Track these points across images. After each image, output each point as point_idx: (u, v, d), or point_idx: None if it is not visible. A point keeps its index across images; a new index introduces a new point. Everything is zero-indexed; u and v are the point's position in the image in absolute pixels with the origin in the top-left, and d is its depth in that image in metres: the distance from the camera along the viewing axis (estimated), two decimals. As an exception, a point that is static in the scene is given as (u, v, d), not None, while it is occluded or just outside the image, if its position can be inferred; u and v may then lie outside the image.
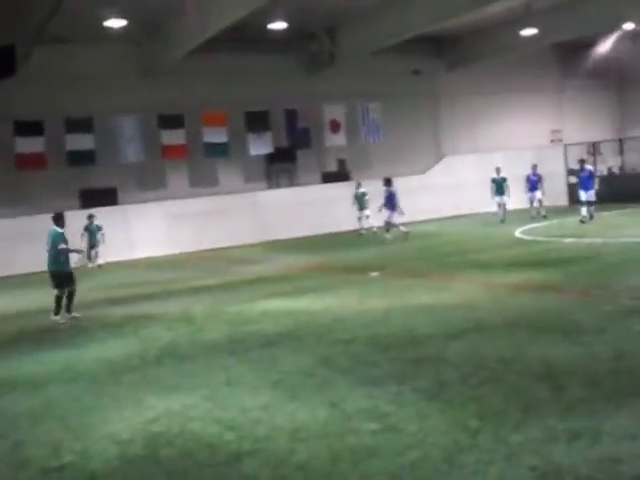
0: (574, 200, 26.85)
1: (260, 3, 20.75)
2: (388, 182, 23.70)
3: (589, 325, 8.92)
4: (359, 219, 27.20)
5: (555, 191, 32.36)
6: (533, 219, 25.56)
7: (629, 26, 31.90)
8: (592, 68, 35.83)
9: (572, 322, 9.19)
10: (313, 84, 30.63)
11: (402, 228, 23.16)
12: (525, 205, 27.06)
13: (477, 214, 31.43)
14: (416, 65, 33.45)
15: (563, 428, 5.53)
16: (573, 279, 12.90)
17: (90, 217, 24.05)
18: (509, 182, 26.15)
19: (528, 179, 26.41)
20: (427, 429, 5.85)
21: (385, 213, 23.36)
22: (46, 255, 13.13)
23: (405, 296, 12.28)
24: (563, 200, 32.26)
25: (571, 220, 23.43)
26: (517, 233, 22.06)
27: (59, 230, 13.09)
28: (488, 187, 26.82)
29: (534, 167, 26.72)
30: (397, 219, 23.40)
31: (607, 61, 35.71)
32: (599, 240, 18.20)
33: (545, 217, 25.77)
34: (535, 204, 26.48)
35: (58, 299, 12.94)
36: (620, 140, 35.27)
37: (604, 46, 34.94)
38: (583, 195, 23.09)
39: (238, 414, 6.74)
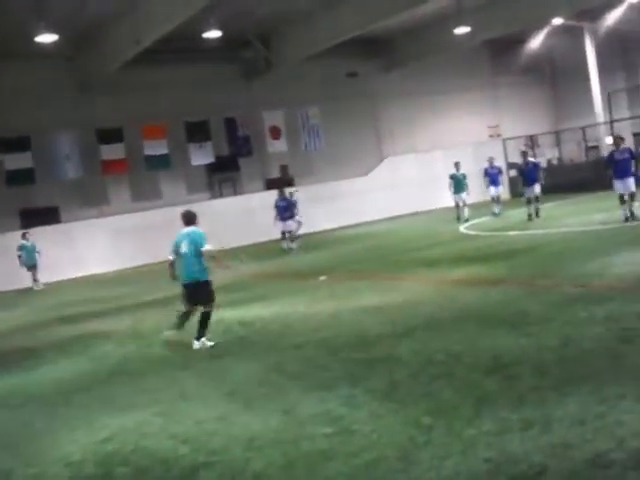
0: (516, 193, 27.19)
1: (191, 12, 20.64)
2: (282, 192, 23.77)
3: (536, 315, 9.03)
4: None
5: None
6: (496, 216, 24.58)
7: (558, 21, 32.60)
8: (524, 63, 36.54)
9: (519, 313, 9.30)
10: (251, 91, 30.60)
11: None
12: (475, 200, 27.19)
13: (420, 212, 31.76)
14: (352, 68, 33.63)
15: (515, 418, 5.57)
16: (518, 271, 13.08)
17: (24, 235, 23.59)
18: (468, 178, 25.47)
19: (486, 173, 25.32)
20: (381, 429, 5.84)
21: (280, 224, 23.57)
22: None
23: (354, 297, 12.30)
24: (505, 194, 32.75)
25: (514, 213, 23.77)
26: (462, 229, 22.32)
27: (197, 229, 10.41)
28: (430, 185, 27.01)
29: (491, 160, 25.70)
30: (293, 228, 23.62)
31: (539, 56, 36.43)
32: (541, 231, 18.52)
33: (496, 214, 24.78)
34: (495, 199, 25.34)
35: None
36: (556, 132, 36.01)
37: (535, 42, 35.62)
38: (528, 191, 21.90)
39: (192, 427, 6.66)
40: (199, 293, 10.10)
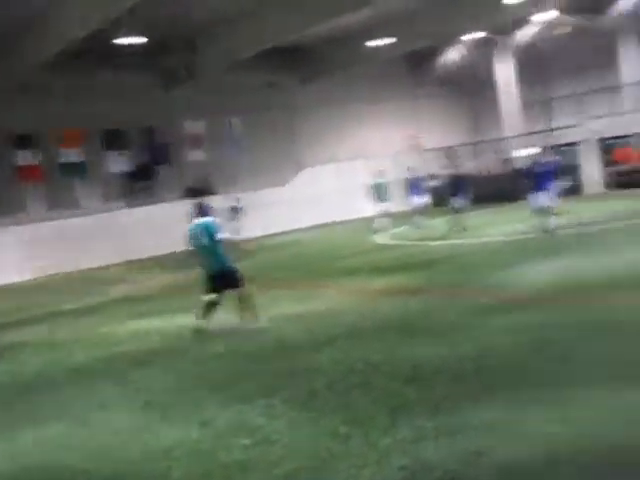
0: (437, 203, 27.44)
1: (109, 16, 20.30)
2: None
3: (454, 324, 9.20)
4: None
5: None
6: (417, 227, 24.11)
7: (476, 35, 33.37)
8: (443, 76, 37.20)
9: (438, 322, 9.47)
10: (172, 100, 30.24)
11: None
12: (395, 209, 27.33)
13: (342, 222, 31.96)
14: (272, 78, 33.63)
15: (431, 426, 5.67)
16: (437, 280, 13.31)
17: None
18: (389, 186, 25.36)
19: (409, 183, 25.21)
20: (299, 439, 5.86)
21: None
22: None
23: (274, 307, 12.27)
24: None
25: (434, 223, 24.13)
26: (380, 239, 22.52)
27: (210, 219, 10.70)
28: (350, 195, 27.04)
29: (412, 170, 25.66)
30: None
31: (455, 69, 37.17)
32: (460, 241, 18.84)
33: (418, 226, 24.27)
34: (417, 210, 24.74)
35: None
36: (474, 144, 36.76)
37: (452, 54, 36.34)
38: (456, 203, 21.34)
39: (111, 438, 6.57)
40: (227, 279, 10.41)
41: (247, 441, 5.95)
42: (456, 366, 7.27)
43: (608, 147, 33.58)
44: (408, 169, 25.99)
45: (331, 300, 12.05)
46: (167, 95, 30.27)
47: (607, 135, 33.01)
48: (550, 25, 32.40)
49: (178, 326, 11.77)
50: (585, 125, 30.29)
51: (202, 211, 10.80)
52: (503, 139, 34.94)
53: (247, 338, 10.11)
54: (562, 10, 30.44)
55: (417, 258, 16.71)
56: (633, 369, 6.36)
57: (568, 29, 32.72)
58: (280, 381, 7.64)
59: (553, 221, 17.09)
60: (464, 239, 19.07)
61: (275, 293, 13.81)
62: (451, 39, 34.62)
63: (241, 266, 11.16)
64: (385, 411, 6.20)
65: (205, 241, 10.43)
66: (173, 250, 27.71)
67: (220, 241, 10.48)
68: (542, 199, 17.03)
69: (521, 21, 32.17)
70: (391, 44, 28.81)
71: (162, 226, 28.46)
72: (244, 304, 10.56)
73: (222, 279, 10.44)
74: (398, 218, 25.10)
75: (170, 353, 9.92)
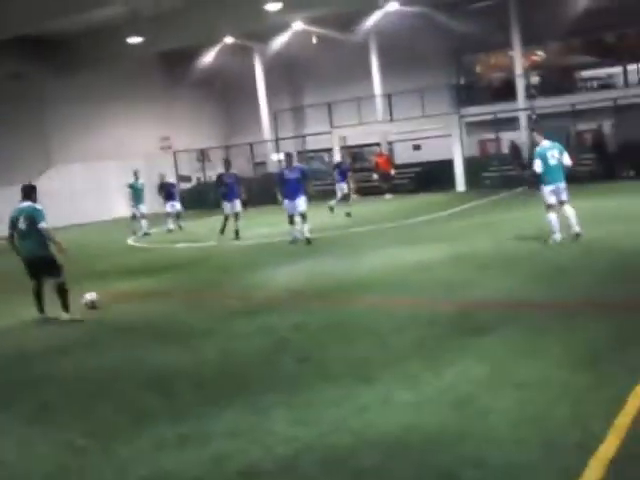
0: (186, 206, 27.30)
1: None
2: None
3: (198, 328, 9.14)
4: None
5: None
6: (171, 231, 23.63)
7: (230, 39, 33.68)
8: (197, 78, 37.15)
9: (182, 327, 9.37)
10: None
11: None
12: (155, 210, 26.66)
13: (91, 223, 30.88)
14: (18, 68, 31.68)
15: (173, 434, 5.56)
16: (184, 284, 13.21)
17: None
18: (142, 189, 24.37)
19: (162, 187, 24.46)
20: (29, 456, 5.50)
21: None
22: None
23: (14, 313, 11.51)
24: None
25: (186, 225, 23.95)
26: (130, 241, 22.02)
27: (38, 206, 10.61)
28: (101, 196, 26.22)
29: (162, 176, 25.01)
30: None
31: (212, 71, 37.29)
32: (210, 244, 18.87)
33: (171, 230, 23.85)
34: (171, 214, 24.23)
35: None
36: (227, 147, 37.11)
37: (208, 57, 36.41)
38: (228, 207, 19.64)
39: None
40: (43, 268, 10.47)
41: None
42: (199, 371, 7.22)
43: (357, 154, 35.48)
44: (160, 175, 25.36)
45: (72, 305, 11.49)
46: None
47: (355, 143, 34.91)
48: (301, 35, 33.44)
49: None
50: (335, 133, 31.65)
51: (30, 194, 10.76)
52: (254, 143, 35.57)
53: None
54: (312, 22, 31.56)
55: (165, 261, 16.51)
56: (365, 368, 6.65)
57: (315, 40, 33.98)
58: (10, 393, 7.16)
59: (303, 227, 16.74)
60: (215, 241, 19.11)
61: (16, 298, 12.97)
62: (208, 42, 34.65)
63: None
64: (126, 420, 6.02)
65: (24, 226, 10.38)
66: None
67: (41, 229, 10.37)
68: (292, 206, 16.46)
69: (277, 29, 32.90)
70: (144, 42, 28.26)
71: None
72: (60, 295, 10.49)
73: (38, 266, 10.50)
74: (152, 220, 24.63)
75: None
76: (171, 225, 23.97)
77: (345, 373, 6.55)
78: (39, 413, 6.48)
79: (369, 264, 12.63)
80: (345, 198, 22.87)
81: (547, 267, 10.66)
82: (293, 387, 6.35)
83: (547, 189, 12.91)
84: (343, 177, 23.30)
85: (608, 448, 4.52)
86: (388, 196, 29.66)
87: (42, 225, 10.33)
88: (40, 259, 10.48)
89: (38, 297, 10.69)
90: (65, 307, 10.48)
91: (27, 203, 10.61)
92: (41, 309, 10.68)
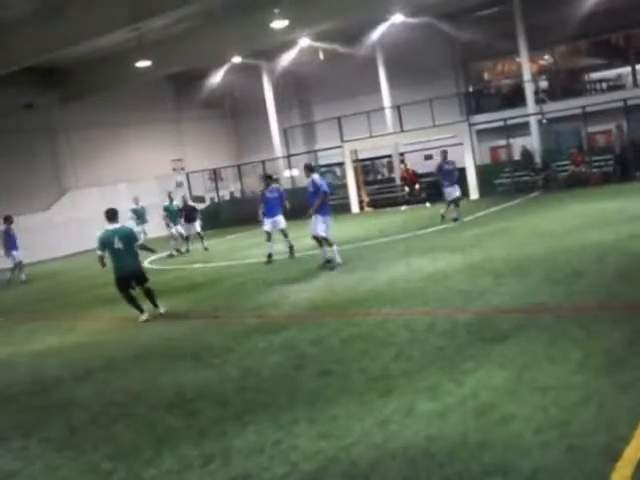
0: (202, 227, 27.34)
1: None
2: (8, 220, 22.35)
3: (218, 347, 9.15)
4: None
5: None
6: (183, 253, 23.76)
7: (238, 59, 33.88)
8: (207, 98, 37.41)
9: (202, 346, 9.37)
10: None
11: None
12: (157, 234, 26.86)
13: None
14: (29, 98, 32.00)
15: (196, 454, 5.57)
16: (201, 304, 13.21)
17: None
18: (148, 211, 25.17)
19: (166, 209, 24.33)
20: (57, 481, 5.54)
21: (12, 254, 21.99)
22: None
23: (31, 340, 11.63)
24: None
25: (199, 246, 24.01)
26: (147, 263, 22.08)
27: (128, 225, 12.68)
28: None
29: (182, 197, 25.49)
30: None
31: (221, 92, 37.54)
32: (225, 263, 18.91)
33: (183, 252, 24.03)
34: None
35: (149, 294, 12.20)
36: (238, 166, 37.25)
37: (217, 78, 36.67)
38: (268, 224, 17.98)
39: None
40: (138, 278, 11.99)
41: (-3, 489, 5.53)
42: (220, 389, 7.24)
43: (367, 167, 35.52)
44: (182, 198, 25.50)
45: (90, 331, 11.58)
46: None
47: (366, 156, 34.99)
48: (308, 51, 33.62)
49: None
50: (346, 147, 31.69)
51: (114, 217, 12.09)
52: (266, 161, 35.66)
53: None
54: (318, 38, 31.73)
55: (181, 282, 16.55)
56: (386, 379, 6.63)
57: (322, 55, 34.13)
58: (37, 419, 7.20)
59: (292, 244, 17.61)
60: (228, 261, 19.16)
61: (32, 326, 13.08)
62: (216, 62, 34.88)
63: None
64: (149, 442, 6.03)
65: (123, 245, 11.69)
66: None
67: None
68: (273, 224, 17.50)
69: (284, 46, 33.07)
70: (151, 66, 28.42)
71: None
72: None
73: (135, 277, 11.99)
74: (160, 242, 24.69)
75: None
76: (179, 245, 24.06)
77: (366, 386, 6.54)
78: (64, 438, 6.52)
79: (385, 276, 12.61)
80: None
81: (563, 271, 10.60)
82: (315, 402, 6.35)
83: None
84: None
85: (634, 451, 4.48)
86: (404, 207, 29.83)
87: (139, 242, 12.11)
88: (135, 271, 11.96)
89: (135, 302, 11.99)
90: (155, 304, 12.05)
91: (118, 225, 11.94)
92: (141, 309, 11.97)
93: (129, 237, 11.80)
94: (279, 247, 17.66)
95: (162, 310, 12.06)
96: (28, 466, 5.98)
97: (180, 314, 12.26)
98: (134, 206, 25.00)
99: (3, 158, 30.34)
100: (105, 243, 11.78)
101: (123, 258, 11.67)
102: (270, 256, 17.14)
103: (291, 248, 17.62)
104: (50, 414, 7.31)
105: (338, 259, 14.65)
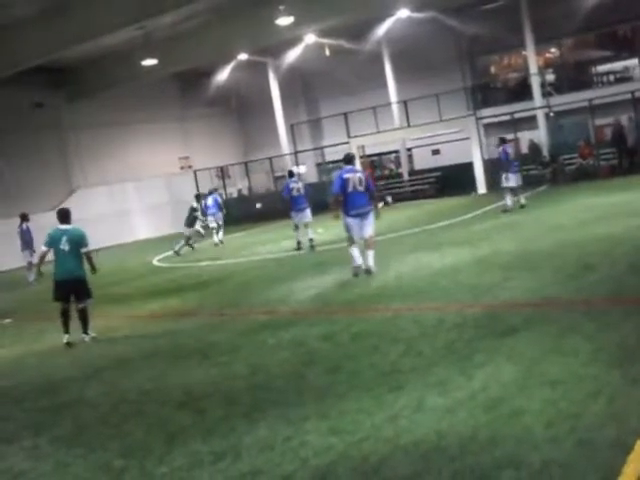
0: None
1: None
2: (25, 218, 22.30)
3: (226, 344, 9.16)
4: None
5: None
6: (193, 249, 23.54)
7: (243, 56, 33.87)
8: (213, 96, 37.41)
9: (210, 344, 9.38)
10: None
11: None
12: (166, 232, 26.93)
13: (114, 246, 31.08)
14: (38, 98, 32.08)
15: (206, 451, 5.57)
16: (209, 301, 13.25)
17: None
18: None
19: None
20: (67, 479, 5.53)
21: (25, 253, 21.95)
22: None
23: (41, 340, 11.67)
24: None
25: (207, 244, 24.05)
26: (155, 261, 22.15)
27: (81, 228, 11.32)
28: (123, 218, 26.16)
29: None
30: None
31: (226, 89, 37.54)
32: (233, 261, 18.93)
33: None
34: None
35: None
36: (245, 163, 37.26)
37: (222, 75, 36.67)
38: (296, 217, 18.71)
39: None
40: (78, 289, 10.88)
41: (12, 488, 5.54)
42: (228, 387, 7.23)
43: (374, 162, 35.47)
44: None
45: (100, 329, 11.57)
46: None
47: (374, 151, 34.96)
48: (314, 47, 33.59)
49: None
50: (353, 142, 31.64)
51: (66, 218, 11.29)
52: (273, 158, 35.68)
53: (7, 375, 9.50)
54: (324, 34, 31.69)
55: (190, 280, 16.59)
56: (395, 375, 6.63)
57: (327, 51, 34.09)
58: (47, 418, 7.21)
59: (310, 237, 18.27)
60: (235, 258, 19.19)
61: (43, 326, 13.10)
62: (222, 60, 34.89)
63: (8, 298, 10.47)
64: (160, 439, 6.03)
65: (69, 247, 10.90)
66: None
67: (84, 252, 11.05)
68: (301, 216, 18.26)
69: (290, 43, 33.05)
70: (158, 64, 28.47)
71: None
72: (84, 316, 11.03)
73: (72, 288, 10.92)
74: (170, 240, 24.79)
75: None
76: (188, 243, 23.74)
77: (376, 381, 6.53)
78: (75, 436, 6.53)
79: (394, 271, 12.58)
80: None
81: (572, 265, 10.56)
82: (325, 397, 6.34)
83: None
84: None
85: (646, 444, 4.46)
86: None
87: (87, 249, 11.00)
88: (77, 280, 10.86)
89: (66, 319, 10.86)
90: (86, 328, 10.94)
91: (69, 226, 11.13)
92: (67, 330, 10.84)
93: (78, 241, 10.92)
94: (288, 244, 17.67)
95: (91, 336, 10.93)
96: (39, 464, 5.98)
97: (188, 312, 12.28)
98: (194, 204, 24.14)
99: (13, 157, 30.48)
100: (52, 242, 11.00)
101: (66, 261, 10.82)
102: (310, 246, 18.10)
103: (310, 242, 18.19)
104: (60, 413, 7.32)
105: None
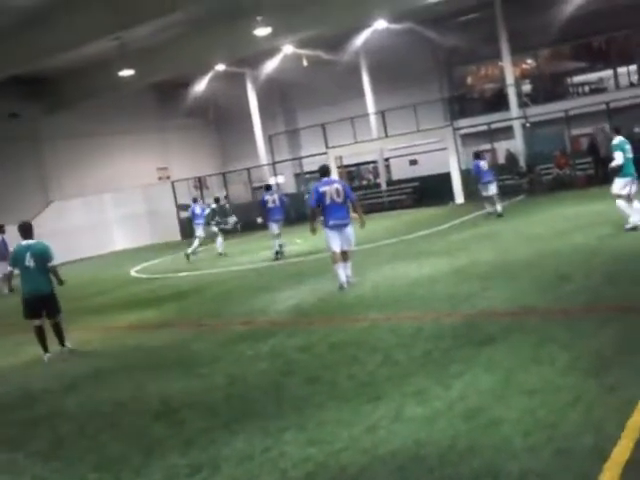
0: (186, 235, 27.36)
1: None
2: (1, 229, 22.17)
3: (205, 355, 9.11)
4: None
5: (167, 226, 33.12)
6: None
7: (221, 67, 33.88)
8: (191, 107, 37.35)
9: (188, 355, 9.34)
10: None
11: None
12: (143, 243, 26.83)
13: (91, 257, 30.88)
14: (13, 108, 31.85)
15: (184, 463, 5.53)
16: (188, 312, 13.19)
17: None
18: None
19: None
20: (41, 494, 5.48)
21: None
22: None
23: (18, 352, 11.52)
24: (176, 235, 33.04)
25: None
26: (133, 272, 22.02)
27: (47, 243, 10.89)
28: (100, 229, 26.02)
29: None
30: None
31: (204, 100, 37.50)
32: (212, 271, 18.87)
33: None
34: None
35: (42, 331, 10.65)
36: (223, 174, 37.20)
37: (200, 86, 36.63)
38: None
39: None
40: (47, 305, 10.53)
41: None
42: (208, 397, 7.19)
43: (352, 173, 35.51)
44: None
45: (77, 341, 11.47)
46: None
47: (352, 162, 35.03)
48: (292, 58, 33.67)
49: None
50: (331, 153, 31.70)
51: (28, 232, 10.96)
52: (251, 168, 35.66)
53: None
54: (302, 45, 31.78)
55: (168, 291, 16.49)
56: (374, 385, 6.63)
57: (305, 62, 34.20)
58: (23, 432, 7.13)
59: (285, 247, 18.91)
60: (214, 269, 19.13)
61: (18, 338, 12.95)
62: (200, 70, 34.88)
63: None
64: (137, 451, 5.98)
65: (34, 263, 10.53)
66: None
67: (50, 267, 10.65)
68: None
69: (268, 53, 33.10)
70: (135, 74, 28.38)
71: None
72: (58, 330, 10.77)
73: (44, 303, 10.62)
74: (146, 251, 24.67)
75: None
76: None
77: (354, 392, 6.52)
78: (51, 450, 6.45)
79: (371, 281, 12.59)
80: None
81: (550, 274, 10.63)
82: (303, 408, 6.33)
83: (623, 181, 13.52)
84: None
85: (622, 452, 4.48)
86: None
87: (52, 263, 10.56)
88: (46, 296, 10.54)
89: (42, 336, 10.58)
90: (62, 341, 10.69)
91: (32, 241, 10.74)
92: (46, 348, 10.56)
93: (43, 256, 10.48)
94: (266, 253, 17.64)
95: (68, 348, 10.69)
96: (15, 479, 5.91)
97: (165, 323, 12.21)
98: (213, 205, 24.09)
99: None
100: (16, 260, 10.65)
101: (33, 278, 10.39)
102: (278, 255, 18.72)
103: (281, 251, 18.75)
104: (37, 426, 7.24)
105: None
